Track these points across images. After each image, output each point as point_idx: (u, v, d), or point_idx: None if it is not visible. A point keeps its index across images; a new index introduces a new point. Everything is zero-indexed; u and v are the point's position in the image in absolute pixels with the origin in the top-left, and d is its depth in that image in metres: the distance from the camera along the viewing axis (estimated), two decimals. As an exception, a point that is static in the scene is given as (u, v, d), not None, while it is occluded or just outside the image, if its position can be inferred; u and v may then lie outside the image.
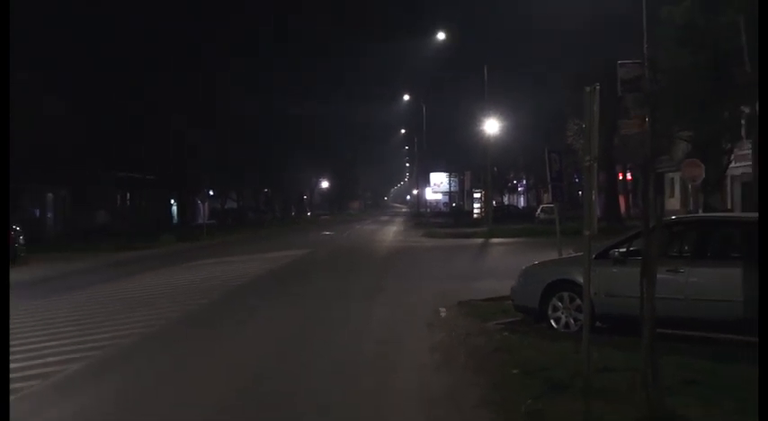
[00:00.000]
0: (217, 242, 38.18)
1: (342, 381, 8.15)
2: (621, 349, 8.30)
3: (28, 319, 12.82)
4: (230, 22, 49.53)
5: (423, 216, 73.42)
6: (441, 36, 51.42)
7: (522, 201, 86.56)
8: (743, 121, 30.72)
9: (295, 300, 15.15)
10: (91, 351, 9.97)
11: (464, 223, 52.34)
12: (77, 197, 45.43)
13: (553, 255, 14.83)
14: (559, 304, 10.54)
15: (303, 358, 9.42)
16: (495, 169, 58.55)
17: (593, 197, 6.89)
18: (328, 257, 27.70)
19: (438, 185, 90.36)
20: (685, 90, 26.26)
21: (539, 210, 52.73)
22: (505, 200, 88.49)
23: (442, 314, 12.65)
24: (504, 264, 19.86)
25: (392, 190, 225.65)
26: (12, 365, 8.95)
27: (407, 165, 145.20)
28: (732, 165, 33.02)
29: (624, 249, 10.08)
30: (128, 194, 55.31)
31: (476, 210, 59.33)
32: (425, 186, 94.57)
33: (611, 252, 10.12)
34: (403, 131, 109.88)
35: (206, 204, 52.05)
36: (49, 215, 44.35)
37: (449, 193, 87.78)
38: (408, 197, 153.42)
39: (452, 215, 69.63)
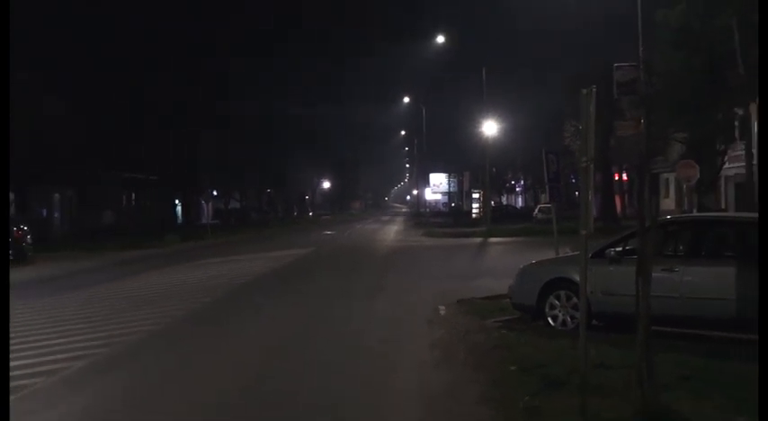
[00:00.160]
0: (220, 241, 38.18)
1: (343, 378, 8.14)
2: (617, 346, 8.29)
3: (36, 317, 12.84)
4: (231, 23, 49.33)
5: (422, 216, 73.45)
6: (440, 39, 51.56)
7: (519, 202, 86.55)
8: (736, 123, 30.74)
9: (298, 298, 15.16)
10: (97, 348, 9.97)
11: (463, 223, 52.30)
12: (83, 197, 45.44)
13: (550, 255, 14.85)
14: (556, 302, 10.55)
15: (306, 356, 9.41)
16: (494, 170, 58.61)
17: (590, 197, 6.88)
18: (330, 256, 27.70)
19: (437, 186, 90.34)
20: (680, 92, 26.26)
21: (536, 210, 52.73)
22: (504, 200, 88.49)
23: (442, 312, 12.65)
24: (502, 263, 19.84)
25: (392, 190, 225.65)
26: (19, 362, 9.01)
27: (407, 165, 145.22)
28: (726, 166, 33.01)
29: (620, 248, 10.08)
30: (133, 195, 55.34)
31: (474, 211, 59.30)
32: (425, 187, 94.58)
33: (608, 251, 10.12)
34: (403, 133, 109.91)
35: (210, 204, 52.09)
36: (56, 215, 44.40)
37: (448, 194, 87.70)
38: (408, 197, 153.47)
39: (451, 215, 69.58)
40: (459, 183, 78.62)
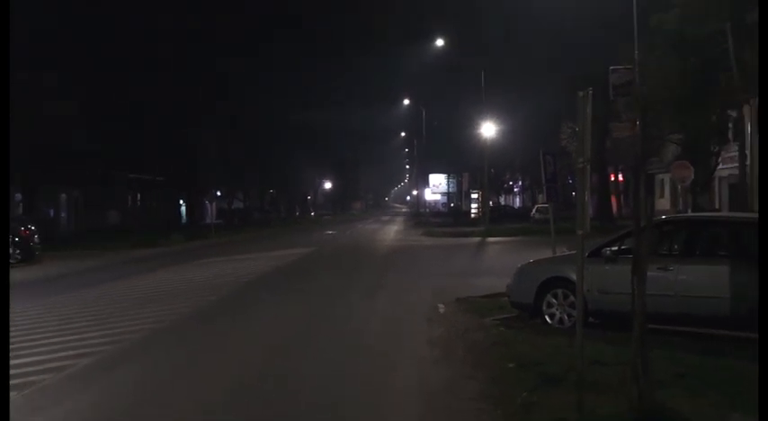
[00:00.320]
0: (224, 241, 38.18)
1: (344, 376, 8.14)
2: (613, 344, 8.30)
3: (43, 315, 12.84)
4: (231, 23, 49.04)
5: (422, 216, 73.46)
6: (439, 42, 51.64)
7: (517, 202, 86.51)
8: (730, 125, 30.74)
9: (301, 296, 15.15)
10: (104, 345, 9.97)
11: (462, 223, 52.32)
12: (89, 198, 45.49)
13: (548, 254, 14.85)
14: (554, 301, 10.56)
15: (307, 354, 9.40)
16: (492, 171, 58.54)
17: (586, 197, 6.87)
18: (332, 255, 27.70)
19: (437, 186, 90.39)
20: (675, 95, 26.27)
21: (534, 210, 52.68)
22: (502, 200, 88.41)
23: (441, 310, 12.65)
24: (500, 262, 19.84)
25: (393, 190, 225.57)
26: (28, 359, 9.02)
27: (407, 166, 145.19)
28: (720, 166, 33.03)
29: (616, 248, 10.08)
30: (138, 195, 55.38)
31: (473, 211, 59.32)
32: (425, 187, 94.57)
33: (604, 250, 10.12)
34: (403, 134, 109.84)
35: (213, 204, 52.08)
36: (63, 215, 44.46)
37: (447, 194, 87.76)
38: (408, 198, 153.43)
39: (451, 215, 69.58)
40: (459, 184, 78.70)
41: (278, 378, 8.18)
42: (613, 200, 48.24)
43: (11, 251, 24.51)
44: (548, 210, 19.05)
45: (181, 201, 59.73)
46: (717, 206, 36.25)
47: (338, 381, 7.86)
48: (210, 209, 52.86)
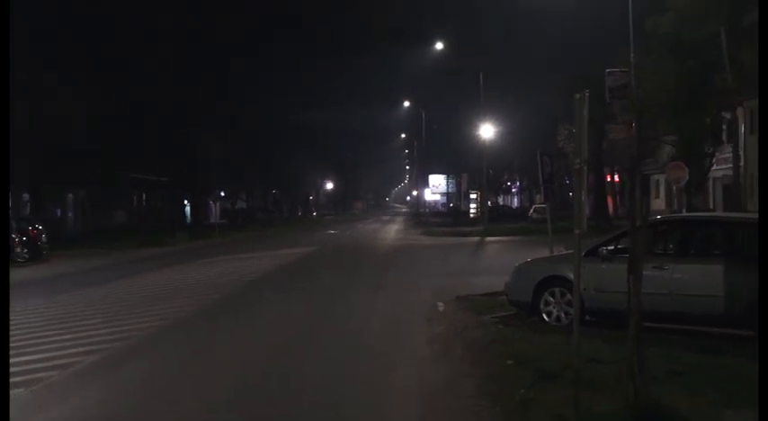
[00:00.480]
0: (228, 240, 38.18)
1: (345, 376, 8.12)
2: (610, 342, 8.28)
3: (51, 313, 12.85)
4: (231, 23, 48.84)
5: (422, 216, 73.43)
6: (439, 46, 51.68)
7: (515, 202, 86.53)
8: (724, 127, 30.73)
9: (303, 295, 15.12)
10: (110, 343, 9.96)
11: (461, 222, 52.29)
12: (96, 198, 45.46)
13: (545, 253, 14.86)
14: (551, 299, 10.55)
15: (309, 353, 9.38)
16: (491, 171, 58.47)
17: (583, 198, 6.87)
18: (333, 254, 27.69)
19: (436, 187, 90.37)
20: (671, 98, 26.26)
21: (531, 210, 52.68)
22: (500, 200, 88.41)
23: (441, 308, 12.64)
24: (498, 261, 19.84)
25: (393, 191, 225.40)
26: (35, 356, 9.03)
27: (407, 167, 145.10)
28: (714, 167, 32.99)
29: (612, 247, 10.08)
30: (143, 195, 55.34)
31: (472, 211, 59.33)
32: (425, 188, 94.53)
33: (600, 250, 10.11)
34: (403, 136, 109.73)
35: (217, 204, 52.03)
36: (70, 215, 44.47)
37: (447, 194, 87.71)
38: (408, 198, 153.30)
39: (450, 215, 69.53)
40: (458, 185, 78.69)
41: (281, 377, 8.16)
42: (609, 200, 48.24)
43: (19, 250, 24.56)
44: (545, 210, 19.06)
45: (185, 202, 59.67)
46: (711, 206, 36.22)
47: (339, 381, 7.84)
48: (214, 209, 52.83)
